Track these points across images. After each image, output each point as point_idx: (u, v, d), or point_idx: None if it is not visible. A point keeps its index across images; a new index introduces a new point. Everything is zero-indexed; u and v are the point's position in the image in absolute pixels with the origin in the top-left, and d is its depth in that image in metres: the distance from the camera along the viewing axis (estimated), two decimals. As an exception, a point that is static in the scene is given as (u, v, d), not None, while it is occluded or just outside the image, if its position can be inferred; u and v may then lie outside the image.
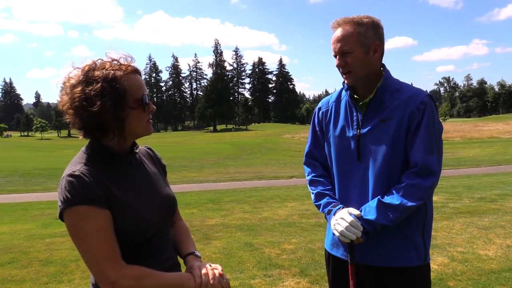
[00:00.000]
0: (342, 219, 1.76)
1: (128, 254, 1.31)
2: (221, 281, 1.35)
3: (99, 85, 1.29)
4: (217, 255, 4.98)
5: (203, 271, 1.36)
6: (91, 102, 1.28)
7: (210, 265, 1.40)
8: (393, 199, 1.72)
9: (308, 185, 2.07)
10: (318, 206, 1.96)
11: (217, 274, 1.36)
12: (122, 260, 1.27)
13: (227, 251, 5.15)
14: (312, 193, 2.00)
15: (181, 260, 1.54)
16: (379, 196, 1.76)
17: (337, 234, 1.77)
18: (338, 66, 1.84)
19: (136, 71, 1.39)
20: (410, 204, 1.71)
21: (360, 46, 1.79)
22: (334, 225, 1.79)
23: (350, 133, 1.87)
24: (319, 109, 2.06)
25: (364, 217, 1.74)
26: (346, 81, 1.87)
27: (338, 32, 1.81)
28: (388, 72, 1.88)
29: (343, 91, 1.98)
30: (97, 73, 1.32)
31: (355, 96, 1.89)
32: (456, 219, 6.45)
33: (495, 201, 7.84)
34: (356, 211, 1.77)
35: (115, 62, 1.37)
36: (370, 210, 1.75)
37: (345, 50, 1.79)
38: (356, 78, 1.83)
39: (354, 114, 1.88)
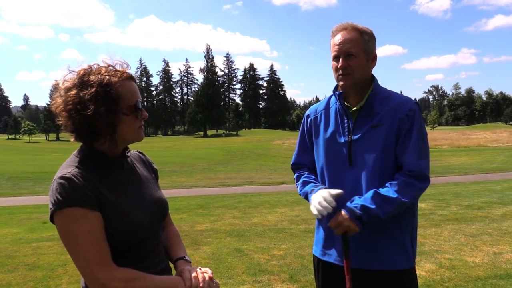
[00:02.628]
0: (320, 195, 1.81)
1: (119, 257, 1.31)
2: (211, 285, 1.36)
3: (93, 89, 1.30)
4: (207, 261, 4.96)
5: (193, 274, 1.37)
6: (85, 106, 1.29)
7: (200, 269, 1.41)
8: (389, 192, 1.75)
9: (295, 183, 2.13)
10: (304, 194, 2.00)
11: (207, 278, 1.37)
12: (112, 263, 1.27)
13: (216, 257, 5.14)
14: (298, 185, 2.08)
15: (171, 265, 1.54)
16: (374, 189, 1.78)
17: (314, 211, 1.82)
18: (340, 67, 1.83)
19: (131, 77, 1.40)
20: (404, 200, 1.75)
21: (364, 53, 1.85)
22: (314, 203, 1.83)
23: (341, 139, 1.90)
24: (307, 116, 2.10)
25: (360, 203, 1.74)
26: (342, 83, 1.86)
27: (345, 34, 1.84)
28: (377, 81, 1.94)
29: (332, 98, 2.01)
30: (92, 77, 1.32)
31: (346, 103, 1.92)
32: (444, 226, 6.52)
33: (482, 209, 7.94)
34: (336, 191, 1.81)
35: (111, 67, 1.38)
36: (365, 199, 1.76)
37: (351, 52, 1.83)
38: (353, 82, 1.85)
39: (345, 120, 1.91)
